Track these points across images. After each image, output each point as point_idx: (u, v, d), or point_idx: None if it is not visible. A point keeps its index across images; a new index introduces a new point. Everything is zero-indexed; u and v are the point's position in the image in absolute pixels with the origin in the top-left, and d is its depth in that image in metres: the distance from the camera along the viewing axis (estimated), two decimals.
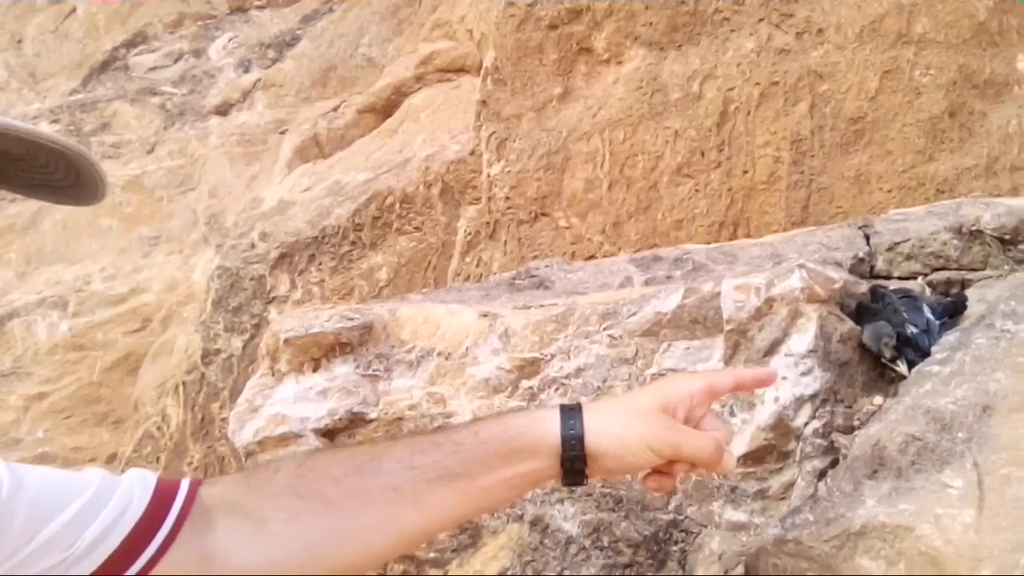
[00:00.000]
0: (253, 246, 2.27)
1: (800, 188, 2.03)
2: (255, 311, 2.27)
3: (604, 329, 1.64)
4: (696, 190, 2.05)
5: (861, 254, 1.75)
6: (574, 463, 0.81)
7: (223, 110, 2.65)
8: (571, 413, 0.83)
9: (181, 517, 0.78)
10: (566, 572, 1.58)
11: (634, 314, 1.62)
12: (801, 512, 1.26)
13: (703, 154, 2.04)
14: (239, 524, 0.79)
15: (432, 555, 1.62)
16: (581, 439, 0.81)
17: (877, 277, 1.75)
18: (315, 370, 1.68)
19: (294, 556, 0.79)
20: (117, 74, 2.90)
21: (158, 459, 2.28)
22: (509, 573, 1.60)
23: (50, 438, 2.34)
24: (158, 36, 2.96)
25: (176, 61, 2.86)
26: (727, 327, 1.53)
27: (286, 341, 1.65)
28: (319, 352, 1.68)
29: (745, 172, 2.04)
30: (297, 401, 1.65)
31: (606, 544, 1.58)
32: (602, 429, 0.82)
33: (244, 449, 1.64)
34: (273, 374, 1.70)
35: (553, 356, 1.64)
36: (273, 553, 0.79)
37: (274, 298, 2.25)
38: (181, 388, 2.32)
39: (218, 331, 2.29)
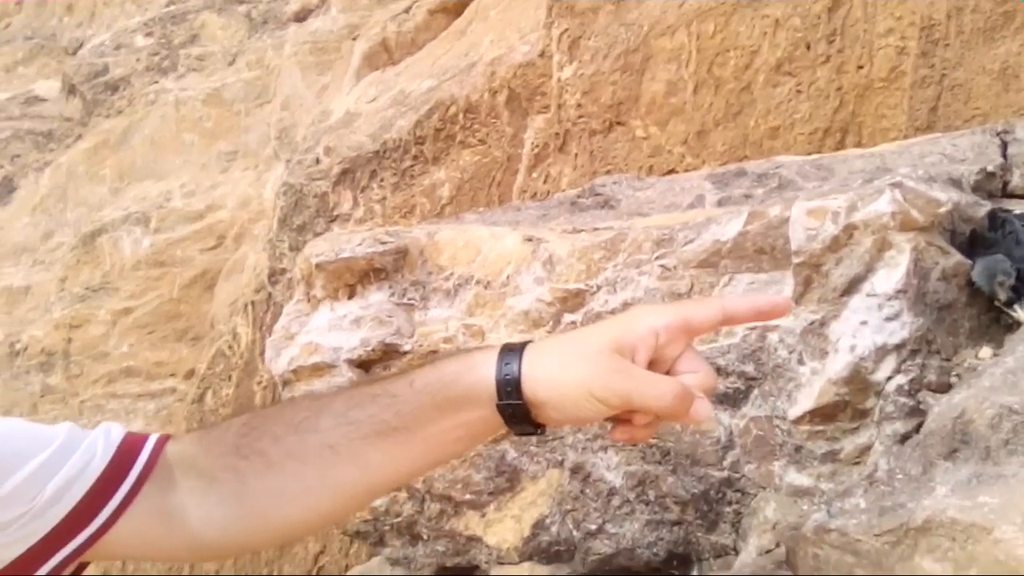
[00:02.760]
0: (317, 161, 2.17)
1: (929, 85, 1.67)
2: (319, 229, 2.20)
3: (656, 258, 1.46)
4: (798, 90, 1.74)
5: (991, 167, 1.44)
6: (513, 411, 0.73)
7: (301, 16, 2.54)
8: (510, 355, 0.74)
9: (144, 474, 0.77)
10: (608, 524, 1.49)
11: (691, 241, 1.42)
12: (852, 496, 1.03)
13: (809, 47, 1.72)
14: (195, 484, 0.78)
15: (468, 497, 1.57)
16: (517, 384, 0.72)
17: (1011, 196, 1.43)
18: (350, 297, 1.62)
19: (242, 518, 0.78)
20: None
21: (230, 377, 2.30)
22: (548, 521, 1.52)
23: (134, 352, 2.41)
24: None
25: None
26: (796, 260, 1.29)
27: (318, 266, 1.59)
28: (353, 278, 1.61)
29: (860, 67, 1.70)
30: (331, 329, 1.60)
31: (652, 499, 1.47)
32: (542, 373, 0.72)
33: (280, 378, 1.61)
34: (308, 300, 1.66)
35: (599, 288, 1.49)
36: (223, 514, 0.78)
37: (337, 216, 2.16)
38: (250, 307, 2.31)
39: (283, 250, 2.24)
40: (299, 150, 2.25)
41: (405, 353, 1.55)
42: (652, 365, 0.73)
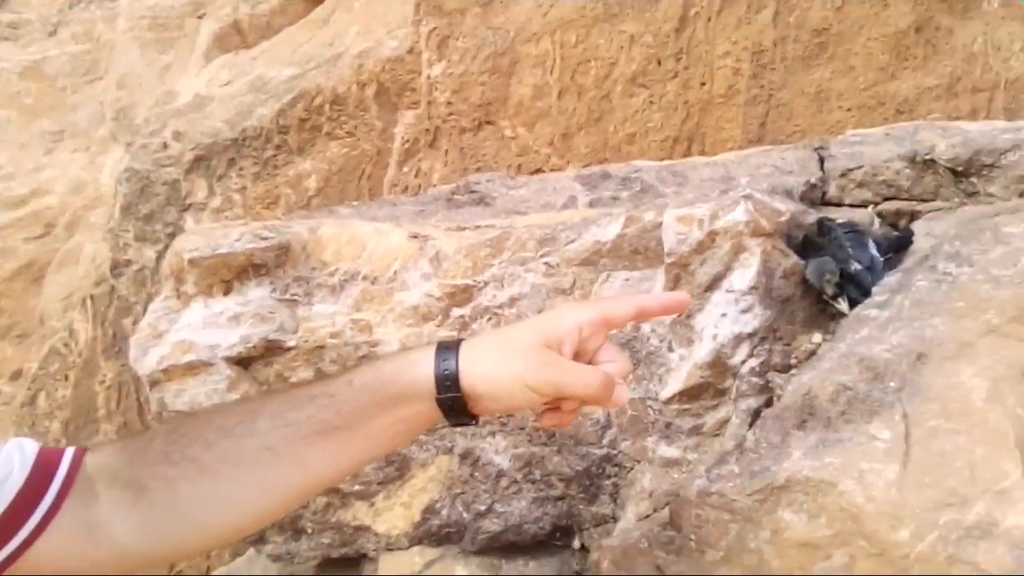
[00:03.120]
0: (166, 146, 2.21)
1: (759, 103, 2.03)
2: (169, 219, 2.23)
3: (541, 256, 1.65)
4: (651, 102, 2.04)
5: (814, 179, 1.78)
6: (452, 404, 0.82)
7: None
8: (447, 352, 0.83)
9: (64, 488, 0.79)
10: (496, 504, 1.66)
11: (573, 241, 1.64)
12: (727, 463, 1.33)
13: (660, 62, 2.02)
14: (120, 495, 0.80)
15: (357, 487, 1.67)
16: (456, 379, 0.81)
17: (829, 204, 1.79)
18: (226, 293, 1.66)
19: (175, 525, 0.81)
20: None
21: (67, 377, 2.27)
22: (438, 505, 1.66)
23: None
24: None
25: None
26: (668, 260, 1.56)
27: (191, 261, 1.62)
28: (230, 274, 1.65)
29: (703, 84, 2.03)
30: (206, 327, 1.63)
31: (538, 478, 1.65)
32: (476, 368, 0.82)
33: (148, 378, 1.64)
34: (179, 296, 1.68)
35: (487, 283, 1.65)
36: (154, 523, 0.81)
37: (190, 205, 2.21)
38: (89, 301, 2.28)
39: (128, 240, 2.24)
40: (142, 133, 2.27)
41: (289, 349, 1.61)
42: (576, 357, 0.84)
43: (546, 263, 1.64)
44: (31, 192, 2.35)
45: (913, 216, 1.64)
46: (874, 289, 1.45)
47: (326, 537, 1.70)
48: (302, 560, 1.76)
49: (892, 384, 1.30)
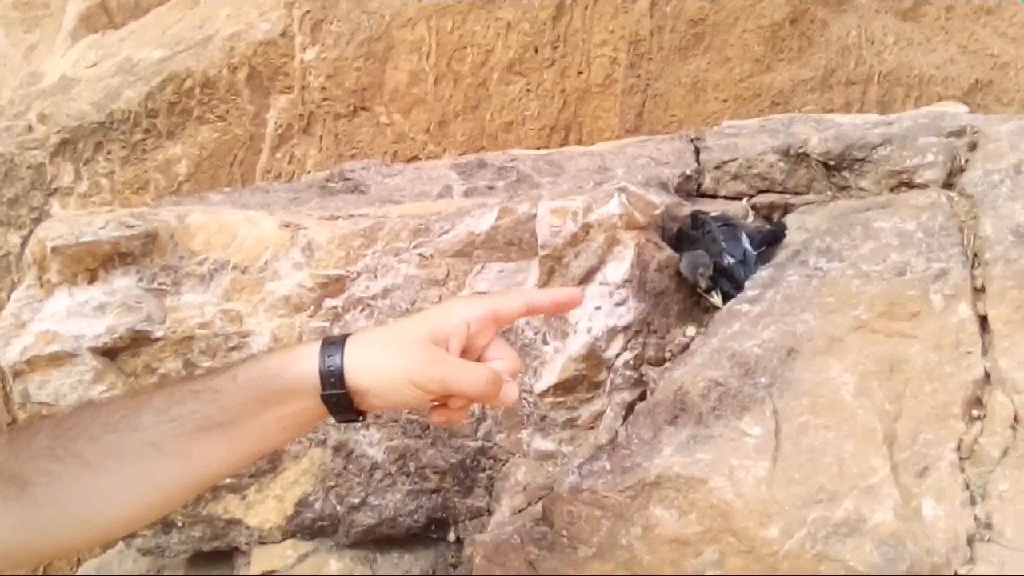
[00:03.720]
0: (30, 129, 1.96)
1: (636, 93, 1.90)
2: (34, 203, 1.98)
3: (415, 247, 1.52)
4: (528, 90, 1.89)
5: (689, 171, 1.67)
6: (337, 400, 0.77)
7: None
8: (332, 348, 0.78)
9: None
10: (371, 497, 1.54)
11: (446, 232, 1.50)
12: (599, 459, 1.20)
13: (536, 51, 1.87)
14: (3, 490, 0.73)
15: (228, 481, 1.55)
16: (340, 375, 0.76)
17: (704, 196, 1.68)
18: (91, 282, 1.51)
19: (60, 520, 0.75)
20: None
21: None
22: (311, 499, 1.55)
23: None
24: None
25: None
26: (542, 252, 1.43)
27: (54, 250, 1.46)
28: (95, 263, 1.49)
29: (580, 73, 1.89)
30: (71, 316, 1.48)
31: (412, 470, 1.54)
32: (362, 364, 0.77)
33: (11, 369, 1.48)
34: (42, 285, 1.52)
35: (359, 274, 1.52)
36: (37, 520, 0.74)
37: (56, 189, 1.97)
38: None
39: None
40: (6, 115, 2.00)
41: (157, 339, 1.48)
42: (464, 353, 0.80)
43: (420, 254, 1.51)
44: None
45: (787, 209, 1.55)
46: (746, 283, 1.34)
47: (197, 530, 1.59)
48: (172, 554, 1.65)
49: (763, 380, 1.21)
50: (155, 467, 0.76)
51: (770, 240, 1.45)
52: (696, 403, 1.20)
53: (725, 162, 1.64)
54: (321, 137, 1.92)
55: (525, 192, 1.60)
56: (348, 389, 0.77)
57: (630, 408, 1.44)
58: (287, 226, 1.55)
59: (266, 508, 1.57)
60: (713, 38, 1.90)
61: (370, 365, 0.77)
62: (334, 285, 1.50)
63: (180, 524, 1.59)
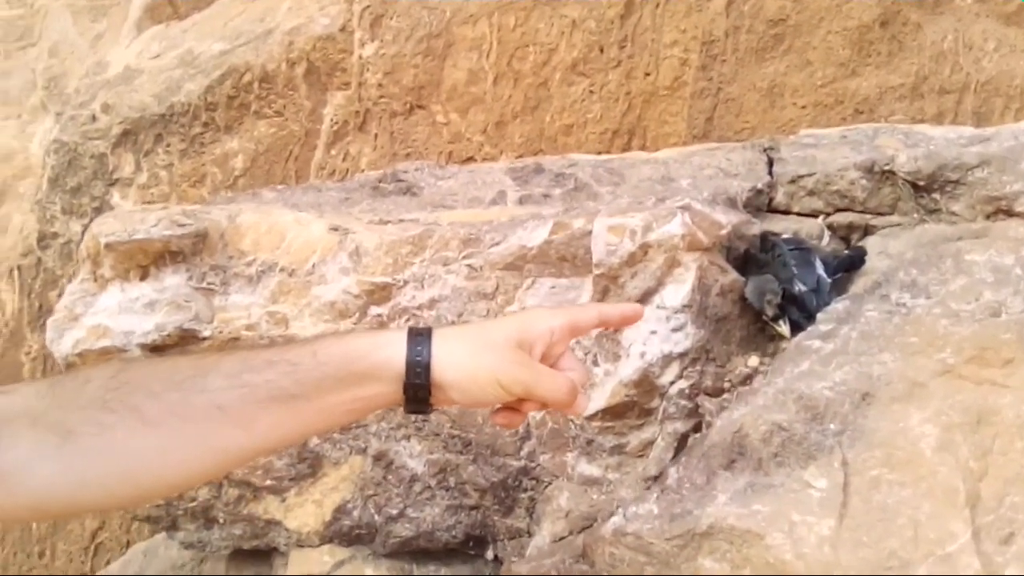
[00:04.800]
0: (94, 119, 1.91)
1: (706, 97, 1.75)
2: (96, 193, 1.95)
3: (464, 257, 1.44)
4: (591, 91, 1.76)
5: (761, 184, 1.53)
6: (417, 391, 0.75)
7: None
8: (419, 338, 0.75)
9: None
10: (409, 509, 1.48)
11: (497, 244, 1.41)
12: (646, 501, 1.09)
13: (602, 50, 1.73)
14: (42, 437, 0.69)
15: (269, 482, 1.51)
16: (427, 366, 0.74)
17: (776, 211, 1.54)
18: (143, 278, 1.48)
19: (105, 474, 0.71)
20: None
21: None
22: (350, 506, 1.50)
23: None
24: None
25: None
26: (596, 271, 1.32)
27: (107, 246, 1.44)
28: (146, 259, 1.47)
29: (647, 74, 1.75)
30: (122, 312, 1.47)
31: (452, 485, 1.48)
32: (450, 358, 0.75)
33: (64, 361, 1.47)
34: (96, 279, 1.51)
35: (406, 282, 1.44)
36: (81, 470, 0.70)
37: (117, 180, 1.93)
38: (16, 272, 2.04)
39: (55, 213, 1.98)
40: (72, 104, 1.97)
41: (204, 339, 1.44)
42: (540, 360, 0.78)
43: (468, 265, 1.42)
44: None
45: (867, 231, 1.40)
46: (819, 315, 1.20)
47: (237, 528, 1.57)
48: (214, 549, 1.64)
49: (832, 426, 1.09)
50: (217, 431, 0.73)
51: (847, 266, 1.31)
52: (756, 448, 1.07)
53: (801, 176, 1.51)
54: (376, 135, 1.83)
55: (582, 203, 1.49)
56: (431, 381, 0.75)
57: (683, 439, 1.32)
58: (336, 229, 1.50)
59: (305, 512, 1.53)
60: (794, 40, 1.74)
61: (457, 361, 0.75)
62: (380, 293, 1.43)
63: (221, 521, 1.56)
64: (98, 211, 1.92)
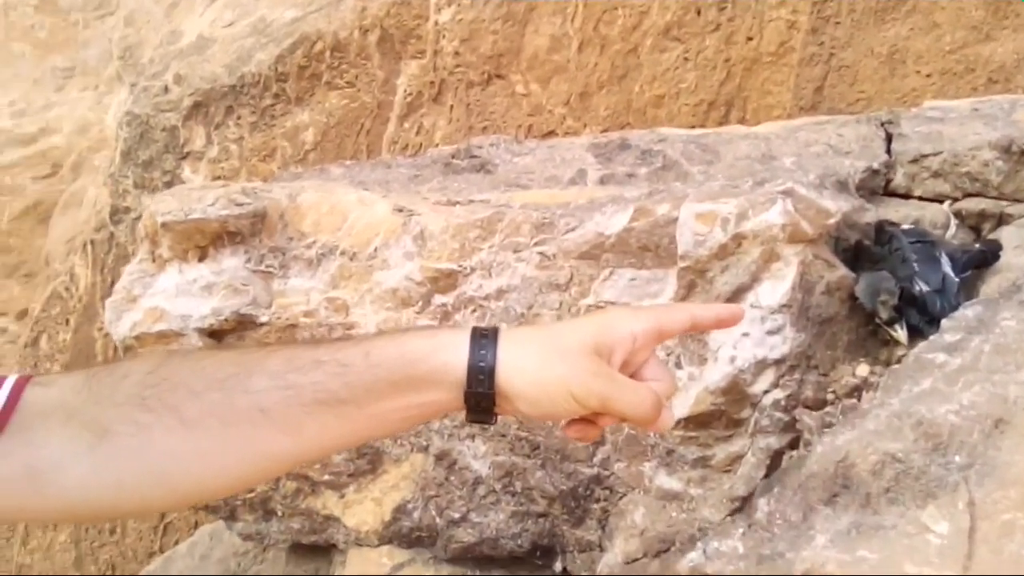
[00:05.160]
0: (166, 90, 1.88)
1: (816, 64, 1.57)
2: (167, 167, 1.92)
3: (536, 244, 1.33)
4: (685, 58, 1.60)
5: (876, 164, 1.36)
6: (480, 400, 0.68)
7: None
8: (484, 341, 0.69)
9: None
10: (472, 513, 1.40)
11: (572, 229, 1.30)
12: (730, 537, 0.95)
13: (699, 12, 1.57)
14: (77, 435, 0.66)
15: (327, 477, 1.46)
16: (491, 373, 0.68)
17: (894, 195, 1.37)
18: (201, 259, 1.43)
19: (141, 477, 0.68)
20: None
21: (67, 321, 2.04)
22: (410, 506, 1.43)
23: None
24: None
25: None
26: (682, 263, 1.19)
27: (164, 225, 1.39)
28: (204, 240, 1.42)
29: (749, 39, 1.58)
30: (179, 294, 1.42)
31: (519, 490, 1.39)
32: (518, 365, 0.68)
33: (122, 343, 1.44)
34: (154, 260, 1.46)
35: (473, 270, 1.34)
36: (116, 471, 0.67)
37: (188, 153, 1.89)
38: (90, 246, 2.04)
39: (127, 187, 1.96)
40: (146, 74, 1.94)
41: (262, 325, 1.38)
42: (621, 368, 0.71)
43: (540, 253, 1.32)
44: (40, 131, 2.08)
45: (1001, 220, 1.23)
46: (944, 321, 1.03)
47: (296, 522, 1.52)
48: (272, 542, 1.60)
49: (957, 459, 0.94)
50: (260, 435, 0.69)
51: (979, 263, 1.15)
52: (864, 481, 0.93)
53: (924, 155, 1.34)
54: (452, 107, 1.73)
55: (669, 184, 1.35)
56: (496, 390, 0.68)
57: (776, 456, 1.18)
58: (400, 211, 1.41)
59: (363, 510, 1.47)
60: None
61: (525, 368, 0.68)
62: (445, 280, 1.34)
63: (280, 514, 1.51)
64: (169, 185, 1.89)
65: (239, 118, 1.83)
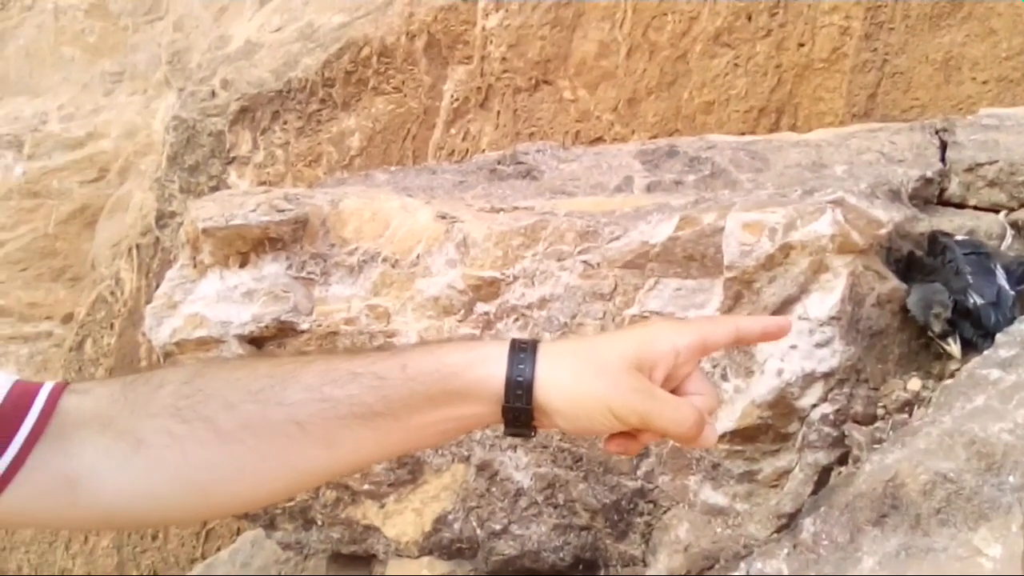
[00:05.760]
0: (213, 95, 1.93)
1: (869, 70, 1.57)
2: (213, 172, 1.98)
3: (580, 253, 1.34)
4: (735, 64, 1.61)
5: (930, 173, 1.36)
6: (518, 415, 0.69)
7: None
8: (522, 355, 0.69)
9: (35, 433, 0.66)
10: (513, 526, 1.41)
11: (617, 238, 1.31)
12: (774, 557, 0.96)
13: (750, 18, 1.58)
14: (112, 445, 0.67)
15: (367, 487, 1.47)
16: (529, 388, 0.68)
17: (948, 204, 1.36)
18: (243, 265, 1.46)
19: (176, 488, 0.69)
20: None
21: (112, 325, 2.10)
22: (451, 517, 1.44)
23: (5, 291, 2.16)
24: None
25: None
26: (728, 274, 1.20)
27: (205, 231, 1.42)
28: (246, 246, 1.45)
29: (801, 45, 1.58)
30: (220, 301, 1.45)
31: (561, 503, 1.39)
32: (557, 380, 0.68)
33: (162, 349, 1.47)
34: (195, 266, 1.49)
35: (516, 278, 1.36)
36: (151, 482, 0.68)
37: (234, 158, 1.94)
38: (135, 251, 2.10)
39: (173, 191, 2.02)
40: (193, 79, 2.01)
41: (302, 332, 1.40)
42: (664, 382, 0.70)
43: (584, 261, 1.33)
44: (88, 135, 2.15)
45: None
46: (999, 336, 1.02)
47: (336, 531, 1.54)
48: (312, 551, 1.63)
49: (1012, 479, 0.94)
50: (295, 449, 0.69)
51: None
52: (914, 501, 0.93)
53: (980, 164, 1.35)
54: (498, 113, 1.76)
55: (716, 192, 1.36)
56: (534, 404, 0.68)
57: (824, 472, 1.19)
58: (443, 217, 1.43)
59: (404, 520, 1.48)
60: (975, 5, 1.53)
61: (564, 383, 0.68)
62: (488, 288, 1.36)
63: (319, 523, 1.54)
64: (215, 190, 1.94)
65: (285, 123, 1.88)
